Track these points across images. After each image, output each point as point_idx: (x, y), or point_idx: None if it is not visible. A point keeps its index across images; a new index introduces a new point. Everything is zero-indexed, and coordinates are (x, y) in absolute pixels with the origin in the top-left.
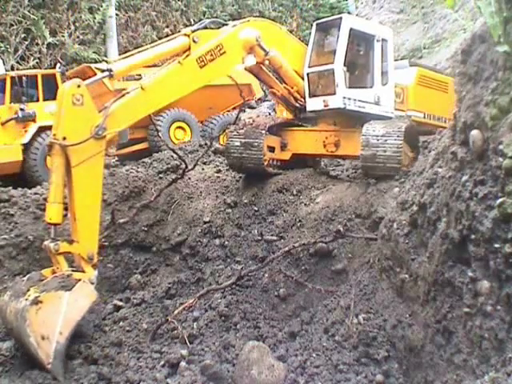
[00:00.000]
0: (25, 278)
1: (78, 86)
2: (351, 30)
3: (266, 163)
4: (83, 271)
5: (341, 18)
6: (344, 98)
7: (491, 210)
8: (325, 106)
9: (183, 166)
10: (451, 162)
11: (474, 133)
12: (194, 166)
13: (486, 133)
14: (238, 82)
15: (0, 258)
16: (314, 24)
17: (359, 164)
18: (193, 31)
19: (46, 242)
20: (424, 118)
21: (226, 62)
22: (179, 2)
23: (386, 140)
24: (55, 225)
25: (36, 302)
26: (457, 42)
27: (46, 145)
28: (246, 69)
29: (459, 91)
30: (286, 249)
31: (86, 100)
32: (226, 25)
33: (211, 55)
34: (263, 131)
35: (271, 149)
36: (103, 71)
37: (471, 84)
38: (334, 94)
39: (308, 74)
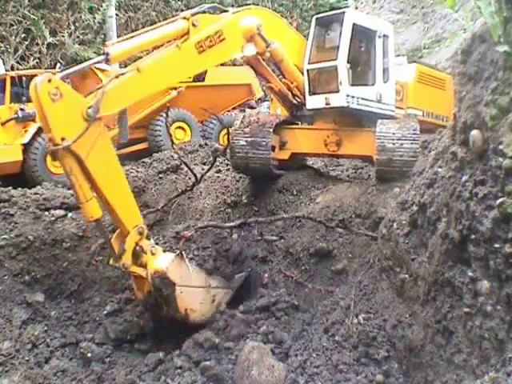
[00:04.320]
0: None
1: (49, 81)
2: (354, 25)
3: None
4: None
5: (343, 13)
6: (347, 96)
7: (491, 209)
8: (326, 104)
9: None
10: (451, 162)
11: (474, 133)
12: (200, 179)
13: (486, 133)
14: (238, 82)
15: (0, 257)
16: (314, 18)
17: (374, 168)
18: (192, 15)
19: (117, 265)
20: (423, 115)
21: (225, 49)
22: (179, 2)
23: (402, 144)
24: (97, 220)
25: None
26: (457, 42)
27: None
28: (244, 60)
29: (459, 91)
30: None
31: (63, 90)
32: (226, 11)
33: (210, 41)
34: (270, 129)
35: (272, 148)
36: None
37: (471, 84)
38: (337, 91)
39: (308, 71)
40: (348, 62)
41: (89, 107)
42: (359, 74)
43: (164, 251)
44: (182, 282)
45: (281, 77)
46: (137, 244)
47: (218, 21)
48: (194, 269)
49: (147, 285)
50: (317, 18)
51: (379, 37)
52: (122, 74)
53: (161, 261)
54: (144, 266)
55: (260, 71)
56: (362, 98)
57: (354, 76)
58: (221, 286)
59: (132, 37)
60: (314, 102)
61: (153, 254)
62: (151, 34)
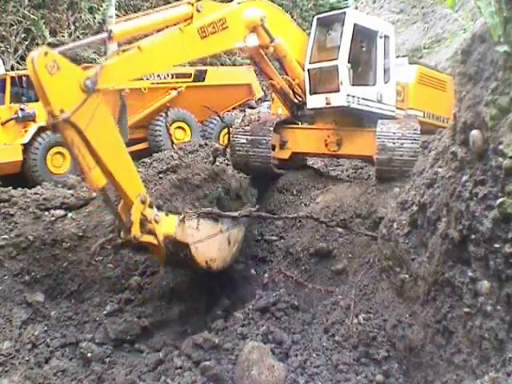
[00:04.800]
0: None
1: (46, 54)
2: (355, 25)
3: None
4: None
5: (344, 13)
6: (348, 95)
7: (491, 209)
8: (327, 103)
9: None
10: (451, 162)
11: (474, 133)
12: None
13: (486, 133)
14: (238, 82)
15: (0, 257)
16: (315, 18)
17: (374, 167)
18: (197, 0)
19: (128, 237)
20: (423, 116)
21: (227, 37)
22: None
23: (402, 144)
24: (103, 189)
25: None
26: (457, 42)
27: (49, 125)
28: (247, 56)
29: (459, 91)
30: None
31: (60, 63)
32: (231, 0)
33: (213, 28)
34: (271, 128)
35: (272, 147)
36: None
37: (471, 84)
38: (338, 91)
39: (309, 70)
40: (349, 61)
41: (87, 78)
42: (360, 74)
43: (166, 214)
44: (194, 239)
45: (283, 75)
46: (141, 213)
47: (223, 8)
48: (200, 221)
49: (162, 250)
50: (318, 18)
51: (380, 37)
52: (123, 50)
53: (167, 226)
54: (154, 234)
55: (263, 67)
56: (363, 98)
57: (354, 76)
58: (231, 225)
59: (135, 18)
60: (314, 102)
61: (157, 222)
62: (155, 15)
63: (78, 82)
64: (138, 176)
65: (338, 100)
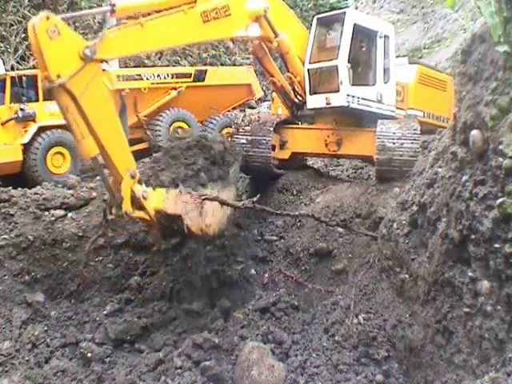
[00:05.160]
0: None
1: (47, 18)
2: (355, 25)
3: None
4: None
5: (344, 13)
6: (348, 95)
7: (491, 210)
8: (327, 103)
9: None
10: (451, 162)
11: (474, 133)
12: None
13: (486, 133)
14: (238, 82)
15: (0, 257)
16: (315, 18)
17: (374, 167)
18: None
19: (120, 213)
20: (423, 116)
21: (229, 24)
22: None
23: (402, 144)
24: (94, 159)
25: None
26: (457, 42)
27: (45, 90)
28: (251, 51)
29: (459, 91)
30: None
31: (61, 29)
32: None
33: (216, 13)
34: (271, 128)
35: (272, 147)
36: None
37: (471, 84)
38: (338, 91)
39: (309, 70)
40: (349, 61)
41: (86, 47)
42: (360, 74)
43: (154, 188)
44: (186, 210)
45: (284, 74)
46: (130, 189)
47: None
48: (188, 191)
49: (156, 225)
50: (318, 18)
51: (380, 37)
52: (125, 24)
53: (156, 201)
54: (144, 209)
55: (265, 64)
56: (363, 98)
57: (354, 76)
58: (221, 187)
59: None
60: (314, 102)
61: (145, 198)
62: None
63: (77, 49)
64: (130, 151)
65: (337, 100)
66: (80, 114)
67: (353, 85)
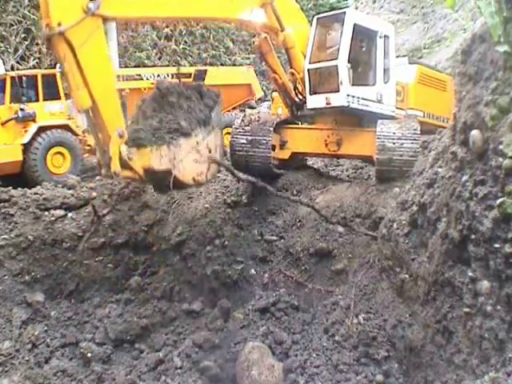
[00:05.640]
0: None
1: None
2: (355, 25)
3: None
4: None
5: (344, 13)
6: (348, 95)
7: (491, 210)
8: (327, 103)
9: None
10: (451, 162)
11: (474, 133)
12: None
13: (486, 133)
14: (238, 82)
15: (0, 257)
16: (315, 18)
17: (374, 167)
18: None
19: (109, 173)
20: (423, 116)
21: (235, 3)
22: None
23: (402, 144)
24: (87, 111)
25: None
26: (457, 42)
27: (45, 39)
28: (256, 46)
29: (459, 91)
30: None
31: None
32: None
33: None
34: (271, 128)
35: (272, 147)
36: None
37: (471, 84)
38: (338, 91)
39: (309, 70)
40: (349, 61)
41: (90, 1)
42: (360, 74)
43: (138, 148)
44: (174, 162)
45: (289, 70)
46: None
47: None
48: (172, 142)
49: (147, 182)
50: (318, 18)
51: (380, 37)
52: None
53: (141, 160)
54: (132, 169)
55: (268, 59)
56: (363, 98)
57: (354, 76)
58: (206, 132)
59: None
60: (314, 102)
61: (130, 159)
62: None
63: (81, 1)
64: (121, 111)
65: (337, 100)
66: (76, 66)
67: (353, 85)
